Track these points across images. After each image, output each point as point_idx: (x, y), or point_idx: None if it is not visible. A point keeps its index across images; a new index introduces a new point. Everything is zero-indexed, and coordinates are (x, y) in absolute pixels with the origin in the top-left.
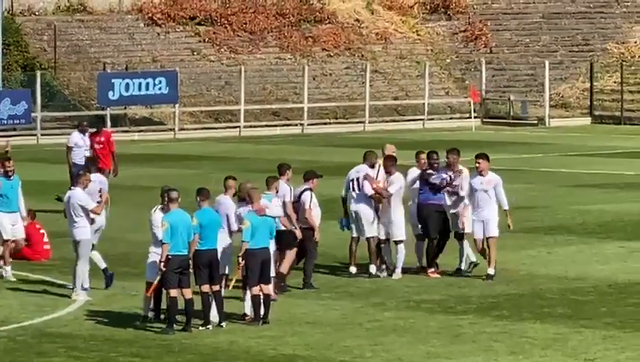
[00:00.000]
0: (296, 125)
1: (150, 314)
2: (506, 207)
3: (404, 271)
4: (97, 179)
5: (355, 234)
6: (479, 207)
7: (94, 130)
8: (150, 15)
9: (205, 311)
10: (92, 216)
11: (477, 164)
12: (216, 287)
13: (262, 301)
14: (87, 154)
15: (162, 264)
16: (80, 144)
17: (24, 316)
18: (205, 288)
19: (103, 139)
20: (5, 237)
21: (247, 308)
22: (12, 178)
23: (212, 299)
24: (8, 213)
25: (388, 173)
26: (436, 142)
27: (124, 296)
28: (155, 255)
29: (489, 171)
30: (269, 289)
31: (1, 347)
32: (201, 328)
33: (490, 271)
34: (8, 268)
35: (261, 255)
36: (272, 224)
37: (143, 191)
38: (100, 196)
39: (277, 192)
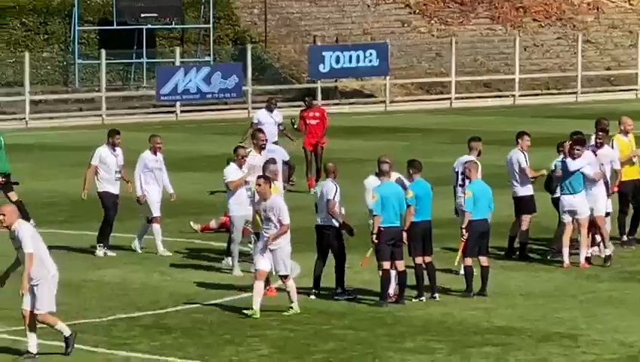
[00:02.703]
0: (507, 96)
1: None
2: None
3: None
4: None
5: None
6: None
7: (306, 105)
8: None
9: (418, 283)
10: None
11: (598, 139)
12: (428, 259)
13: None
14: (275, 132)
15: (374, 236)
16: (265, 121)
17: (237, 289)
18: (419, 259)
19: (318, 114)
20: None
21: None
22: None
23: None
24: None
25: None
26: None
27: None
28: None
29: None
30: (402, 264)
31: (215, 319)
32: (414, 300)
33: (607, 251)
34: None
35: (390, 232)
36: (402, 197)
37: (354, 163)
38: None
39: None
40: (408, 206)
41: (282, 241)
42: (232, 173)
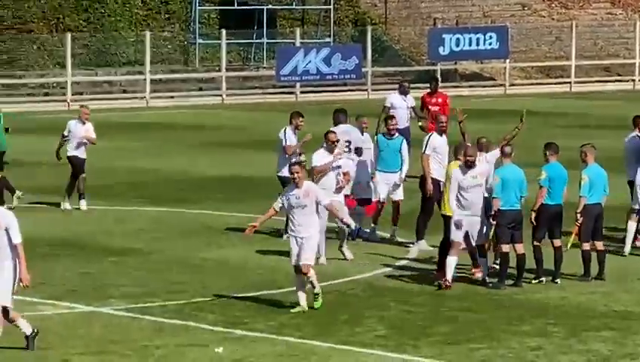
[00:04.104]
0: (627, 81)
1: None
2: None
3: None
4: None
5: None
6: None
7: (431, 89)
8: None
9: (538, 266)
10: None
11: None
12: (557, 243)
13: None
14: (407, 116)
15: (492, 218)
16: (398, 105)
17: (355, 270)
18: (542, 242)
19: (440, 100)
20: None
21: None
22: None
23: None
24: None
25: None
26: None
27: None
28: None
29: None
30: (522, 247)
31: (332, 299)
32: (533, 282)
33: None
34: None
35: (511, 215)
36: (523, 181)
37: None
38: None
39: None
40: (541, 187)
41: (314, 230)
42: (318, 158)
